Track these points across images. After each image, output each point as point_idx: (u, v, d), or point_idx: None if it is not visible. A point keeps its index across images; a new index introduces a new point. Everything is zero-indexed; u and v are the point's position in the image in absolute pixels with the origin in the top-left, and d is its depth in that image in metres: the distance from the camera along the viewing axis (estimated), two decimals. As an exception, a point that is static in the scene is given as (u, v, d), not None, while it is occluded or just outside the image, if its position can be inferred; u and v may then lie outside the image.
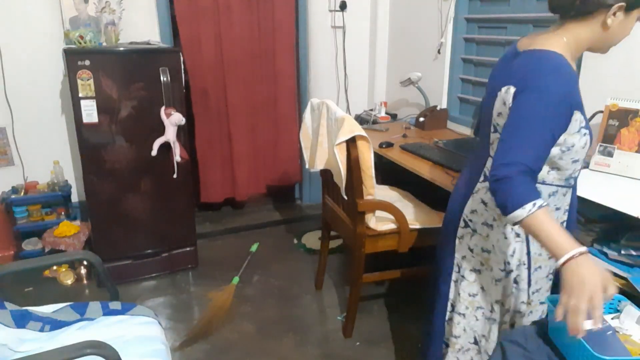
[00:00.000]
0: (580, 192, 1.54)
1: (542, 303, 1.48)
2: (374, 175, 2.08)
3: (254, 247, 3.21)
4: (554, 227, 1.08)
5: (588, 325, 1.02)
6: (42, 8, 2.78)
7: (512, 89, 1.25)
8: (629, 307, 1.26)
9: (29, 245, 2.92)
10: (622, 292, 1.46)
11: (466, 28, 2.99)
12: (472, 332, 1.58)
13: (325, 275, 2.80)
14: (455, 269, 1.57)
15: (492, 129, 1.39)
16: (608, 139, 1.79)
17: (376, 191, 2.14)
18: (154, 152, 2.61)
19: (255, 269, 2.97)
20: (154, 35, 3.05)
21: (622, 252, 1.59)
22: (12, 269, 1.92)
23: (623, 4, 1.18)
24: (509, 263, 1.43)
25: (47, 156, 2.95)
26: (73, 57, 2.40)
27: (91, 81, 2.44)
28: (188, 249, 2.96)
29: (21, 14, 2.76)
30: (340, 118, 2.02)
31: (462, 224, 1.52)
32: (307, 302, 2.67)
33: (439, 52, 3.10)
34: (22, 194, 2.84)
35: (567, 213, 1.44)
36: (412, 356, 2.23)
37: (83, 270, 2.85)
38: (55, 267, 2.83)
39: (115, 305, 1.62)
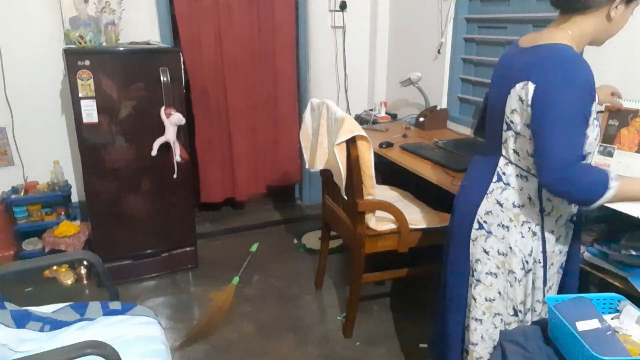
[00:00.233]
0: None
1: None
2: (374, 175, 2.08)
3: (254, 247, 3.21)
4: (633, 182, 1.26)
5: (588, 325, 1.02)
6: (42, 8, 2.78)
7: (531, 85, 1.25)
8: (628, 307, 1.26)
9: (29, 245, 2.92)
10: (622, 292, 1.46)
11: (466, 28, 2.98)
12: (492, 342, 1.52)
13: (325, 275, 2.80)
14: (470, 272, 1.53)
15: (504, 127, 1.37)
16: (608, 139, 1.79)
17: (376, 191, 2.14)
18: (154, 152, 2.61)
19: (255, 269, 2.97)
20: (154, 35, 3.05)
21: (622, 252, 1.59)
22: (12, 269, 1.91)
23: None
24: (527, 262, 1.42)
25: (47, 156, 2.95)
26: (73, 57, 2.40)
27: (91, 81, 2.44)
28: (188, 249, 2.96)
29: (21, 14, 2.76)
30: (340, 118, 2.02)
31: (476, 225, 1.47)
32: (307, 302, 2.67)
33: (439, 52, 3.10)
34: (22, 194, 2.84)
35: (577, 206, 1.44)
36: (412, 356, 2.23)
37: (83, 270, 2.85)
38: (55, 267, 2.83)
39: (115, 305, 1.62)
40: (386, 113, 3.43)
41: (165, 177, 2.72)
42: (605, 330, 1.14)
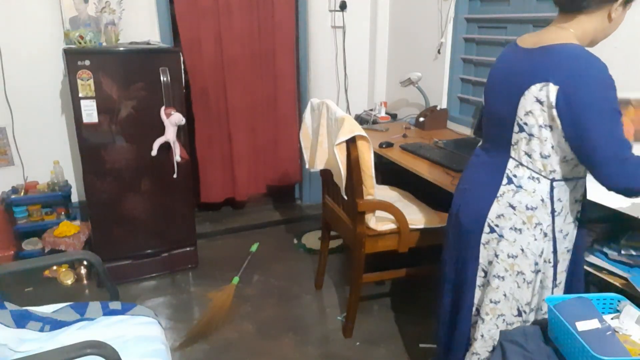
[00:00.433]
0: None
1: None
2: (374, 175, 2.08)
3: (254, 247, 3.21)
4: None
5: (587, 325, 1.02)
6: (42, 8, 2.78)
7: (553, 87, 1.24)
8: (628, 307, 1.26)
9: (29, 245, 2.92)
10: (622, 292, 1.46)
11: (466, 28, 2.98)
12: (492, 341, 1.53)
13: (325, 275, 2.80)
14: (481, 274, 1.52)
15: (516, 129, 1.36)
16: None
17: (376, 191, 2.14)
18: (154, 152, 2.61)
19: (255, 269, 2.97)
20: (154, 35, 3.05)
21: (622, 252, 1.59)
22: (12, 269, 1.92)
23: None
24: (537, 263, 1.42)
25: (47, 156, 2.95)
26: (73, 57, 2.40)
27: (91, 81, 2.44)
28: (188, 249, 2.96)
29: (21, 14, 2.76)
30: (340, 118, 2.02)
31: (487, 229, 1.46)
32: (307, 302, 2.67)
33: (439, 52, 3.10)
34: (22, 194, 2.84)
35: (581, 204, 1.44)
36: (412, 356, 2.23)
37: (83, 270, 2.85)
38: (55, 267, 2.83)
39: (115, 305, 1.61)
40: (386, 113, 3.43)
41: (165, 177, 2.72)
42: (605, 330, 1.14)
